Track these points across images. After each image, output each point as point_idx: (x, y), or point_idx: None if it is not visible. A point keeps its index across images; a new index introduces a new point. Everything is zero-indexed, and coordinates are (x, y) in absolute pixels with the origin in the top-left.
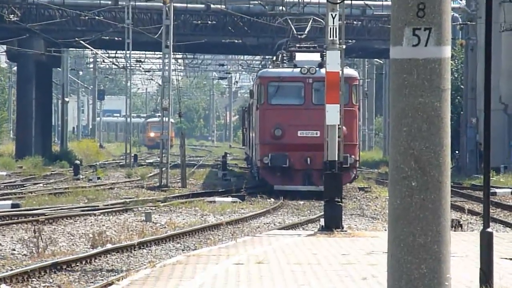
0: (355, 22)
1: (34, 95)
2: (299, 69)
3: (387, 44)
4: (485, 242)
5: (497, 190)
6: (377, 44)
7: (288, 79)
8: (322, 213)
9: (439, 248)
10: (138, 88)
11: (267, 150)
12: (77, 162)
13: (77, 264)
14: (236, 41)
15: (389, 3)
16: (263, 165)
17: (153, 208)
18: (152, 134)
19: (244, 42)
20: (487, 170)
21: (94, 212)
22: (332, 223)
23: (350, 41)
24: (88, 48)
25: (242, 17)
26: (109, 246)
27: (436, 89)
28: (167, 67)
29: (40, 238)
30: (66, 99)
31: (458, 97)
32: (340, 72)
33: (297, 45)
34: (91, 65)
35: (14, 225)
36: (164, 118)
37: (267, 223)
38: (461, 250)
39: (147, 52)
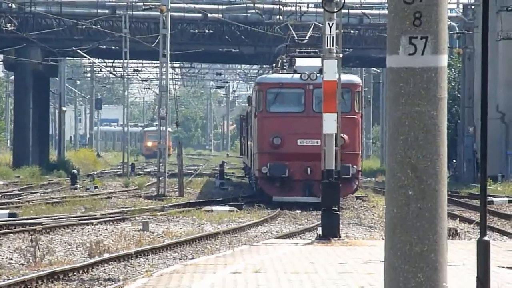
0: (352, 31)
1: (32, 104)
2: (299, 75)
3: (384, 53)
4: (482, 251)
5: (494, 199)
6: (374, 53)
7: (288, 85)
8: (320, 222)
9: (436, 256)
10: (136, 97)
11: (265, 160)
12: (75, 171)
13: (74, 273)
14: (233, 50)
15: (386, 12)
16: (262, 175)
17: (151, 217)
18: (149, 143)
19: (241, 51)
20: (484, 179)
21: (92, 221)
22: (330, 232)
23: (347, 50)
24: (86, 57)
25: (239, 26)
26: (106, 255)
27: (433, 97)
28: (164, 76)
29: (37, 247)
30: (64, 109)
31: (455, 106)
32: (337, 80)
33: (297, 50)
34: (89, 74)
35: (12, 234)
36: (161, 127)
37: (265, 232)
38: (458, 258)
39: (144, 61)
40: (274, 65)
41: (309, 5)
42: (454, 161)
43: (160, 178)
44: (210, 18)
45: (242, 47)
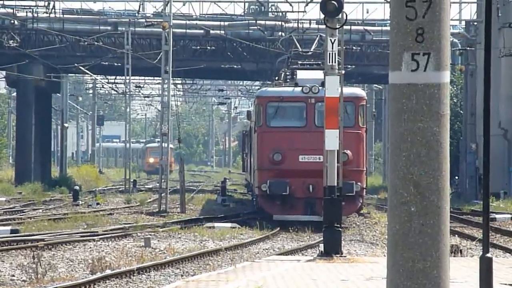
0: (354, 48)
1: (34, 120)
2: (300, 88)
3: (386, 69)
4: (485, 268)
5: (497, 216)
6: (377, 69)
7: (289, 99)
8: (322, 238)
9: (438, 273)
10: (138, 114)
11: (265, 177)
12: (77, 187)
13: None
14: (235, 66)
15: (388, 28)
16: (262, 192)
17: (152, 233)
18: (151, 160)
19: (243, 67)
20: (486, 196)
21: (93, 237)
22: (332, 248)
23: (349, 66)
24: (88, 74)
25: (241, 43)
26: (108, 272)
27: (435, 114)
28: (166, 93)
29: (39, 263)
30: (66, 125)
31: (458, 123)
32: (340, 96)
33: (300, 62)
34: (91, 91)
35: (13, 250)
36: (163, 144)
37: (266, 249)
38: (461, 275)
39: (146, 78)
40: (276, 78)
41: (311, 21)
42: (457, 177)
43: (162, 195)
44: (212, 35)
45: (244, 63)
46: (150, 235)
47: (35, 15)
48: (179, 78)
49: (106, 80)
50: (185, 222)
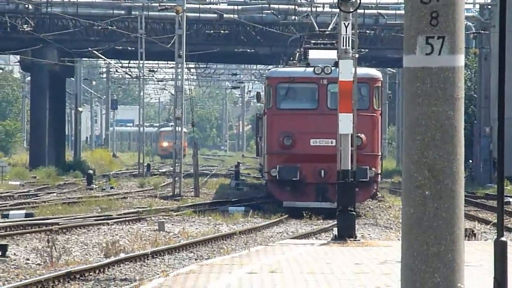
0: (368, 31)
1: (48, 105)
2: (312, 68)
3: (400, 53)
4: (499, 251)
5: (511, 200)
6: (390, 53)
7: (300, 79)
8: (335, 222)
9: (453, 257)
10: (151, 98)
11: (275, 161)
12: (91, 171)
13: (90, 273)
14: (248, 50)
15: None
16: (271, 178)
17: (166, 217)
18: (165, 144)
19: (256, 51)
20: (501, 179)
21: (108, 221)
22: (346, 232)
23: (363, 50)
24: (101, 58)
25: (254, 27)
26: (122, 255)
27: (450, 97)
28: (180, 77)
29: (53, 247)
30: (80, 109)
31: (472, 106)
32: (354, 80)
33: (313, 41)
34: (104, 75)
35: (28, 234)
36: (177, 128)
37: (280, 233)
38: (475, 259)
39: (160, 62)
40: (291, 58)
41: (325, 5)
42: (471, 161)
43: (176, 179)
44: (225, 19)
45: (258, 47)
46: (164, 219)
47: None
48: (192, 62)
49: (120, 64)
50: (199, 206)
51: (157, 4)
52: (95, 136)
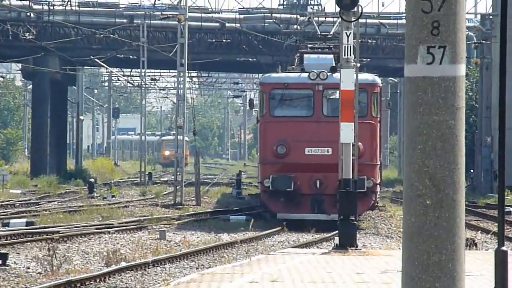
0: (369, 41)
1: (49, 113)
2: (307, 73)
3: (401, 62)
4: (500, 261)
5: None
6: (392, 62)
7: (294, 85)
8: (337, 231)
9: (453, 266)
10: (153, 106)
11: (268, 171)
12: (92, 180)
13: (91, 282)
14: (250, 59)
15: (404, 21)
16: (264, 188)
17: (168, 226)
18: (166, 152)
19: (258, 60)
20: (502, 189)
21: (109, 230)
22: (347, 241)
23: (364, 59)
24: (103, 66)
25: (256, 36)
26: (123, 264)
27: (451, 107)
28: (181, 85)
29: (54, 256)
30: (81, 117)
31: (473, 116)
32: (355, 89)
33: (309, 45)
34: (106, 83)
35: (29, 243)
36: (178, 136)
37: (281, 241)
38: (476, 268)
39: (162, 70)
40: (291, 64)
41: (327, 14)
42: (472, 171)
43: (177, 187)
44: (227, 28)
45: (260, 56)
46: (165, 227)
47: (51, 7)
48: (194, 71)
49: (122, 73)
50: (200, 215)
51: (159, 13)
52: (96, 144)
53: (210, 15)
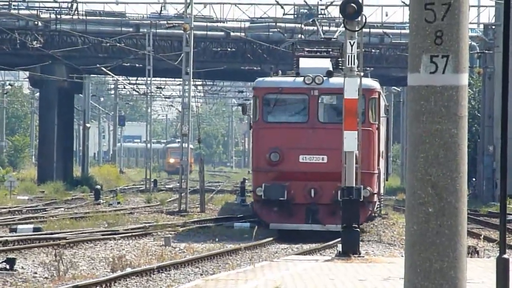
0: (373, 50)
1: (56, 120)
2: (302, 78)
3: (404, 71)
4: (502, 269)
5: None
6: (395, 71)
7: (289, 90)
8: (340, 239)
9: (455, 274)
10: (158, 115)
11: (261, 180)
12: (98, 187)
13: (97, 287)
14: (255, 68)
15: (407, 31)
16: (256, 197)
17: (172, 232)
18: (171, 160)
19: (263, 69)
20: (503, 197)
21: (114, 236)
22: (350, 248)
23: (368, 68)
24: (109, 75)
25: (261, 45)
26: (128, 270)
27: (453, 116)
28: (187, 94)
29: (61, 261)
30: (88, 125)
31: (475, 125)
32: (358, 98)
33: (306, 49)
34: (112, 92)
35: (36, 248)
36: (183, 144)
37: (285, 248)
38: (477, 276)
39: (167, 79)
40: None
41: (331, 24)
42: (474, 179)
43: (182, 194)
44: (232, 37)
45: (264, 65)
46: (170, 234)
47: (58, 16)
48: (199, 80)
49: (128, 81)
50: (204, 222)
51: (165, 22)
52: (102, 152)
53: (215, 24)
